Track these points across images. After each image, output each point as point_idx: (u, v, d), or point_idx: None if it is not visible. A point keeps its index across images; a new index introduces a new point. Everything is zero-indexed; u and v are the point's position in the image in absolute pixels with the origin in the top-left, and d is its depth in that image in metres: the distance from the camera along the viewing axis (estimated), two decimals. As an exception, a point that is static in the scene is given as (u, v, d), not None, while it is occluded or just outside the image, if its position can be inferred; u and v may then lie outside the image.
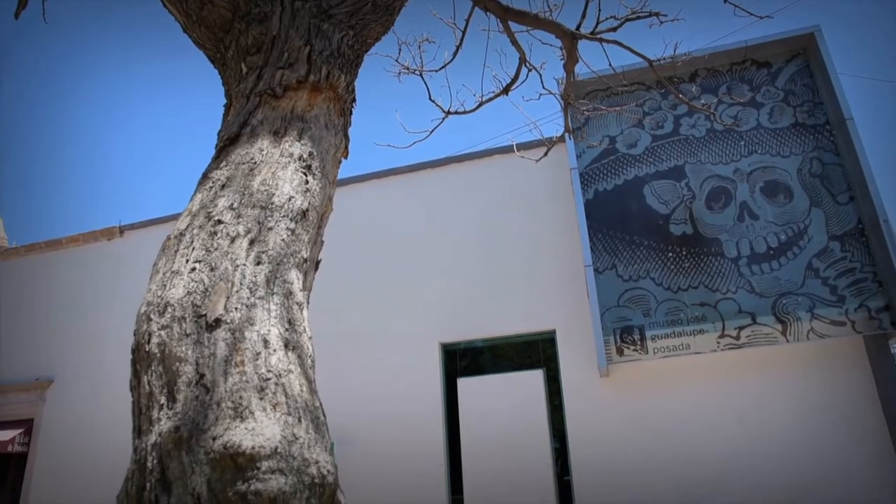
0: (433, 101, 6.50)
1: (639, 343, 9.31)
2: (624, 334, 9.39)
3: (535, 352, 10.36)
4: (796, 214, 9.35)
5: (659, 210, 10.01)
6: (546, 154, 7.14)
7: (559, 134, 7.80)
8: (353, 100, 2.72)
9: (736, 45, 10.18)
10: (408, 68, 6.51)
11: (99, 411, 12.08)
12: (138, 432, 1.78)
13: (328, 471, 1.74)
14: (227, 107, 2.64)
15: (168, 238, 2.13)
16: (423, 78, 6.59)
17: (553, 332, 9.97)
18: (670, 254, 9.73)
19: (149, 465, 1.66)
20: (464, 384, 9.91)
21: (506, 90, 6.11)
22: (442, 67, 6.26)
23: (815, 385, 8.77)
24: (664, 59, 6.29)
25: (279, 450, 1.63)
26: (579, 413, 9.46)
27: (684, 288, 9.48)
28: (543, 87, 6.38)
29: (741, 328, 8.97)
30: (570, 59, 5.96)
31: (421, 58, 6.59)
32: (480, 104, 6.36)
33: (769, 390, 8.90)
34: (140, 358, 1.85)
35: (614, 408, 9.37)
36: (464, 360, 10.62)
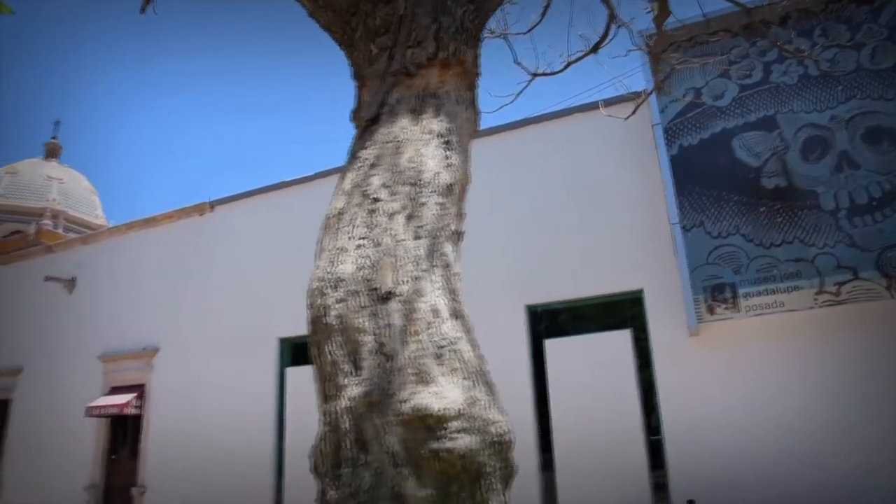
0: (519, 64, 6.46)
1: (730, 301, 9.10)
2: (715, 292, 9.19)
3: (622, 312, 10.30)
4: (902, 162, 8.80)
5: (749, 163, 9.63)
6: (635, 111, 6.98)
7: (647, 89, 7.55)
8: (478, 73, 2.78)
9: (832, -19, 9.53)
10: (492, 31, 6.47)
11: (198, 376, 12.90)
12: (325, 397, 1.95)
13: (506, 430, 1.87)
14: (360, 87, 2.74)
15: (328, 217, 2.27)
16: (507, 41, 6.53)
17: (640, 292, 9.88)
18: (762, 208, 9.38)
19: (343, 426, 1.82)
20: (551, 345, 10.00)
21: (594, 48, 5.98)
22: (530, 30, 6.20)
23: (923, 341, 8.36)
24: (761, 2, 6.01)
25: (463, 411, 1.77)
26: (669, 373, 9.39)
27: (777, 243, 9.14)
28: (633, 44, 6.21)
29: (841, 284, 8.60)
30: (662, 12, 5.79)
31: (505, 20, 6.53)
32: (568, 64, 6.25)
33: (870, 348, 8.55)
34: (319, 330, 2.01)
35: (705, 367, 9.25)
36: (549, 321, 10.69)
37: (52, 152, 31.92)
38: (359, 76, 2.76)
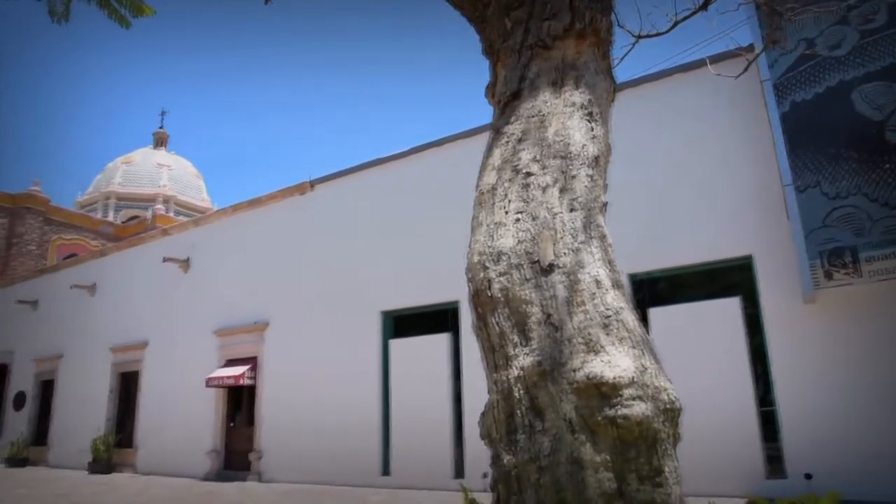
0: (622, 27, 6.24)
1: (850, 266, 8.56)
2: (832, 257, 8.66)
3: (728, 279, 9.92)
4: None
5: (871, 117, 8.93)
6: (747, 69, 6.62)
7: (756, 44, 7.11)
8: (612, 42, 2.74)
9: None
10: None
11: (306, 348, 13.55)
12: (494, 367, 2.04)
13: (675, 397, 1.90)
14: (493, 63, 2.78)
15: (480, 193, 2.33)
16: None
17: (749, 258, 9.46)
18: (887, 165, 8.70)
19: (515, 395, 1.90)
20: (655, 314, 9.79)
21: (705, 5, 5.70)
22: (635, -9, 5.96)
23: None
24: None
25: (635, 379, 1.81)
26: (783, 342, 8.99)
27: (906, 202, 8.48)
28: (746, -4, 5.85)
29: (982, 244, 7.90)
30: (781, -41, 5.42)
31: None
32: (675, 24, 5.99)
33: None
34: (482, 302, 2.09)
35: (822, 336, 8.78)
36: (653, 289, 10.45)
37: (160, 141, 34.14)
38: (492, 52, 2.79)
